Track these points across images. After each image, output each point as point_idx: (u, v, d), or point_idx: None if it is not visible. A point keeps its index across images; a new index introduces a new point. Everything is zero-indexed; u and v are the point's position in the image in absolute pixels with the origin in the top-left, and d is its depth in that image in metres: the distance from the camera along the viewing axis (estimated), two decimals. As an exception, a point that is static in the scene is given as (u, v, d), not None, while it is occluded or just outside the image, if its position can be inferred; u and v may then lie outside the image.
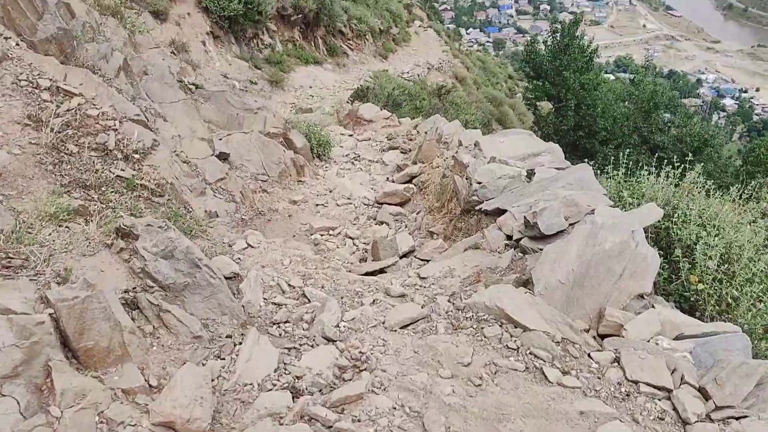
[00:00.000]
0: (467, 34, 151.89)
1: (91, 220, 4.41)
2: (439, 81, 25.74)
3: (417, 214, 6.71)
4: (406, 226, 6.61)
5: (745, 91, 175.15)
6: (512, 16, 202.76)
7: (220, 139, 7.39)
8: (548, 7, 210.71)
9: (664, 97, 24.11)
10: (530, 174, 5.38)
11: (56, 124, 5.04)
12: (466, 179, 5.71)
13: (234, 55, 16.87)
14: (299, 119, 9.27)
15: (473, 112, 22.78)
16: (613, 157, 22.36)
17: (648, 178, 6.03)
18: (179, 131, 6.35)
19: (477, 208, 5.14)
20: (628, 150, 23.41)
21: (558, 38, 23.64)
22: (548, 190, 4.64)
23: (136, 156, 5.47)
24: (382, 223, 7.05)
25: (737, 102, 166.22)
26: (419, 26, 40.86)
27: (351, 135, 10.40)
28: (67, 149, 4.99)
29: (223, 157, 7.11)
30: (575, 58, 22.77)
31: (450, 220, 5.53)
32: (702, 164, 22.39)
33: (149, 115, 6.11)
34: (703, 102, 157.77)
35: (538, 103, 24.56)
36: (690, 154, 25.41)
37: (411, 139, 8.81)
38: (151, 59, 7.30)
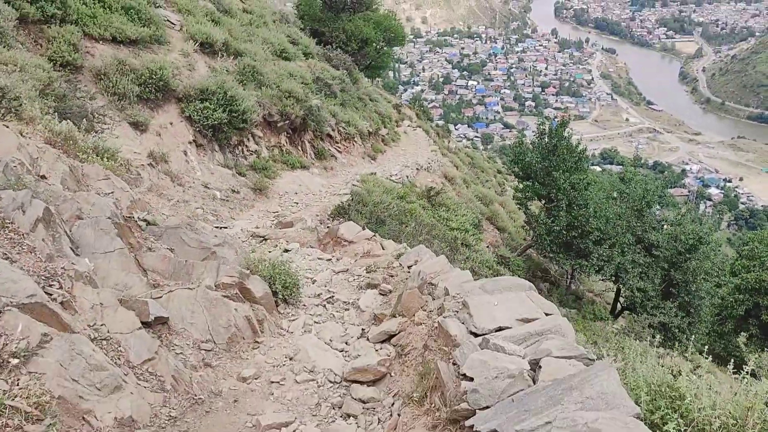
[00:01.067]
0: (456, 129, 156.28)
1: None
2: (428, 182, 25.53)
3: (393, 403, 5.61)
4: (379, 421, 5.49)
5: (729, 181, 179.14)
6: (498, 112, 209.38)
7: (160, 297, 6.32)
8: (533, 104, 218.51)
9: (656, 195, 23.94)
10: (534, 366, 4.39)
11: None
12: (453, 365, 4.76)
13: (217, 163, 16.50)
14: (264, 259, 8.06)
15: (464, 213, 22.35)
16: (607, 257, 21.71)
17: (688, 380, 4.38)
18: (102, 298, 5.40)
19: (468, 424, 4.07)
20: (622, 249, 22.90)
21: (546, 140, 23.69)
22: (561, 404, 3.67)
23: (14, 361, 4.24)
24: (348, 416, 5.76)
25: (722, 191, 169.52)
26: (408, 125, 41.44)
27: (329, 260, 9.69)
28: None
29: (160, 321, 6.02)
30: (564, 159, 22.70)
31: (434, 427, 4.51)
32: (696, 261, 21.63)
33: (66, 278, 5.20)
34: (689, 192, 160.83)
35: (528, 203, 24.25)
36: (685, 252, 25.04)
37: (392, 276, 8.03)
38: (90, 198, 6.50)
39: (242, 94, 17.36)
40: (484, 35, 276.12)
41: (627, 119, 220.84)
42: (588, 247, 22.03)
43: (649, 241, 23.45)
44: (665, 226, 24.55)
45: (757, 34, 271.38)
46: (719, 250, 25.12)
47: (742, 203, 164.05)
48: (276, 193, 17.09)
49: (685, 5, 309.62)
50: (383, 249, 9.84)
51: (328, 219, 13.50)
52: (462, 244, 20.28)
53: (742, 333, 18.19)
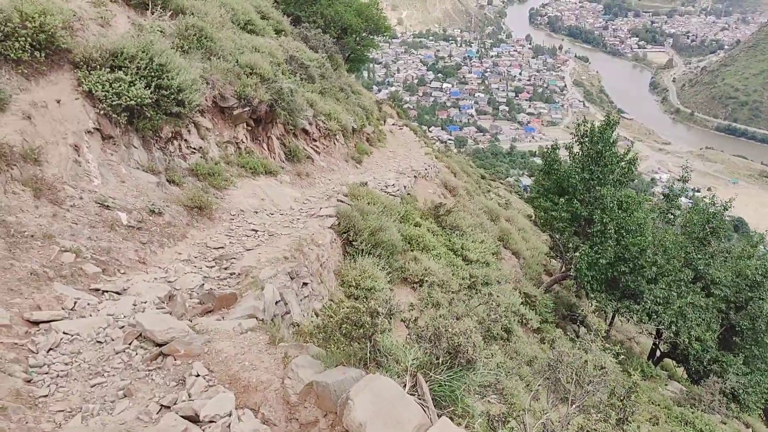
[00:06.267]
0: (429, 131, 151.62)
1: None
2: (429, 193, 20.08)
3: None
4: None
5: (698, 191, 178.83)
6: (473, 116, 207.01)
7: None
8: (507, 108, 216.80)
9: (721, 219, 18.87)
10: None
11: None
12: None
13: (136, 165, 10.77)
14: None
15: (481, 239, 16.97)
16: (663, 299, 16.43)
17: None
18: None
19: None
20: (679, 288, 17.69)
21: (588, 145, 18.44)
22: None
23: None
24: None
25: (691, 201, 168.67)
26: (393, 124, 36.09)
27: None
28: None
29: None
30: (612, 170, 17.53)
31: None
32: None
33: None
34: (657, 201, 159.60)
35: (561, 224, 18.90)
36: (747, 290, 20.16)
37: None
38: None
39: (179, 63, 11.67)
40: (459, 38, 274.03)
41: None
42: (640, 285, 16.85)
43: (710, 278, 18.36)
44: (725, 259, 19.45)
45: (725, 47, 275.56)
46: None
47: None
48: (226, 213, 11.43)
49: (657, 16, 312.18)
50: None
51: (309, 279, 7.81)
52: (482, 282, 14.95)
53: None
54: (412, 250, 13.43)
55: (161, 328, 5.59)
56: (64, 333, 5.68)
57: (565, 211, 18.39)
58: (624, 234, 16.85)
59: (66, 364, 5.34)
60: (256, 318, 6.24)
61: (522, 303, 16.67)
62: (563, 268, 20.23)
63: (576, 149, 19.31)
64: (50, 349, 5.44)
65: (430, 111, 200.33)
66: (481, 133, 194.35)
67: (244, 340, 5.39)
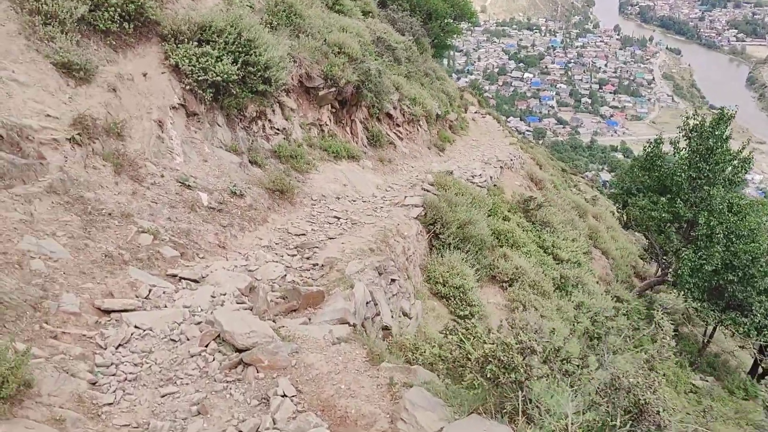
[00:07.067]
0: (507, 122, 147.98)
1: None
2: (516, 186, 19.00)
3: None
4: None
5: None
6: (553, 107, 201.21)
7: None
8: (590, 101, 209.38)
9: None
10: None
11: None
12: None
13: (219, 144, 10.37)
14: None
15: (573, 237, 15.82)
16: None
17: None
18: None
19: None
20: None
21: (697, 140, 16.82)
22: None
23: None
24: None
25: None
26: (475, 112, 34.92)
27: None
28: None
29: None
30: (722, 168, 15.92)
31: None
32: None
33: None
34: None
35: (663, 224, 17.35)
36: None
37: None
38: None
39: (268, 39, 11.18)
40: (543, 27, 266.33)
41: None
42: (749, 297, 15.25)
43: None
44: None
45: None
46: None
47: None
48: (308, 197, 10.90)
49: (759, 8, 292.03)
50: None
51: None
52: (573, 284, 13.88)
53: None
54: (500, 246, 12.51)
55: (242, 330, 4.97)
56: (135, 327, 5.19)
57: (667, 211, 16.88)
58: (734, 239, 15.26)
59: (135, 365, 4.81)
60: (348, 323, 5.55)
61: (614, 308, 15.47)
62: (659, 273, 18.72)
63: (682, 144, 17.68)
64: (119, 345, 4.95)
65: (509, 101, 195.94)
66: (561, 125, 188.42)
67: (337, 354, 4.68)
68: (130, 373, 4.65)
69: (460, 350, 3.97)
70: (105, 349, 4.88)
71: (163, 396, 4.48)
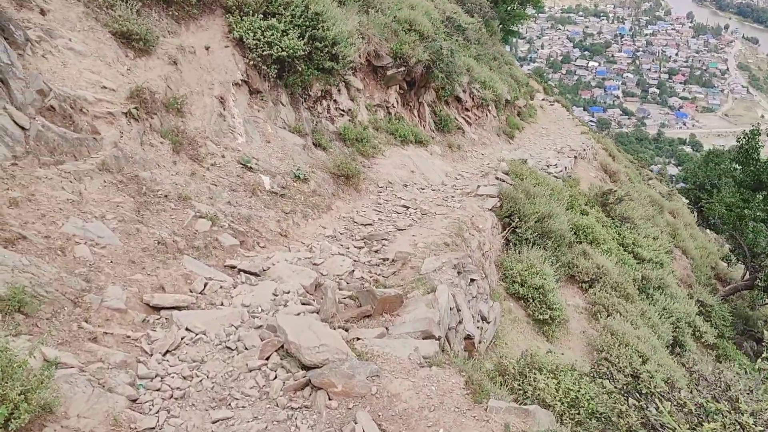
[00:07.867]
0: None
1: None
2: (591, 177, 17.77)
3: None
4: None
5: None
6: (618, 97, 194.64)
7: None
8: (657, 91, 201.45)
9: None
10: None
11: None
12: None
13: (282, 124, 9.73)
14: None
15: (654, 234, 14.59)
16: None
17: None
18: None
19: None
20: None
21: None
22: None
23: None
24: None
25: None
26: (543, 99, 33.45)
27: None
28: None
29: None
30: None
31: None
32: None
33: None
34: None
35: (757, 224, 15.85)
36: None
37: None
38: None
39: (336, 13, 10.45)
40: (611, 14, 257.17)
41: (763, 116, 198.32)
42: None
43: None
44: None
45: None
46: None
47: None
48: (374, 184, 10.17)
49: None
50: None
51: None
52: (656, 285, 12.72)
53: None
54: (579, 243, 11.48)
55: (310, 343, 4.21)
56: (186, 329, 4.56)
57: (762, 209, 15.39)
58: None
59: (184, 378, 4.13)
60: (433, 336, 4.76)
61: (697, 313, 14.20)
62: (746, 276, 17.22)
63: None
64: (167, 351, 4.34)
65: (572, 90, 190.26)
66: (627, 116, 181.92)
67: (428, 382, 3.85)
68: (178, 388, 3.99)
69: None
70: (151, 355, 4.24)
71: (214, 422, 3.78)
